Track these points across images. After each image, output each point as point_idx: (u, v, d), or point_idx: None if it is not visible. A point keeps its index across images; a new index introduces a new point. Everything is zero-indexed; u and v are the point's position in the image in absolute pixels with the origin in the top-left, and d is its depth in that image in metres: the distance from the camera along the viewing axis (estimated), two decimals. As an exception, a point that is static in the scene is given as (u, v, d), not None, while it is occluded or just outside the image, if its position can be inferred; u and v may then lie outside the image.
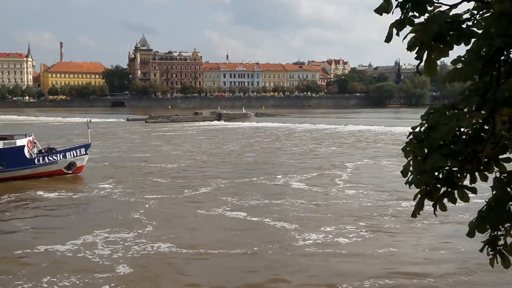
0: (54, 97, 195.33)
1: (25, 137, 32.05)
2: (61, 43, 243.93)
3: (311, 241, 17.56)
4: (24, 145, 30.96)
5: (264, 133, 68.63)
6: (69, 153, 32.40)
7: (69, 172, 31.90)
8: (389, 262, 15.57)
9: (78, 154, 32.55)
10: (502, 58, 2.83)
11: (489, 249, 3.08)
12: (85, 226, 20.02)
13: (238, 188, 27.44)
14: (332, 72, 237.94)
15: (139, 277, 14.57)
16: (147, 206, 23.30)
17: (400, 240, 17.99)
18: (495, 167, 2.97)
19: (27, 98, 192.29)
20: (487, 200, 3.02)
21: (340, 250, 16.82)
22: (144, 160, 39.73)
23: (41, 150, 32.51)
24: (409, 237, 18.34)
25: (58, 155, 32.14)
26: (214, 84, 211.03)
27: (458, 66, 2.97)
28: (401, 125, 70.90)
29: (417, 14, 2.99)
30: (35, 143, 32.83)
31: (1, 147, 30.43)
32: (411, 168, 3.11)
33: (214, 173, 32.95)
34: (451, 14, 2.95)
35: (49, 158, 31.70)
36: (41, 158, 31.44)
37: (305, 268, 15.14)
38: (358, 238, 18.13)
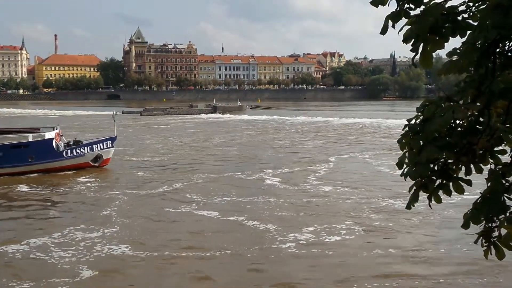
0: (49, 89, 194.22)
1: (53, 130, 32.12)
2: (55, 35, 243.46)
3: (293, 241, 16.51)
4: (53, 138, 30.97)
5: (256, 125, 68.17)
6: (96, 146, 32.45)
7: (95, 165, 31.92)
8: (380, 261, 14.84)
9: (105, 147, 32.62)
10: (498, 50, 2.84)
11: (484, 240, 3.10)
12: (46, 225, 19.08)
13: (217, 184, 26.49)
14: (327, 64, 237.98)
15: (102, 281, 13.65)
16: (118, 202, 22.45)
17: (390, 237, 17.16)
18: (490, 159, 2.99)
19: (21, 91, 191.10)
20: (482, 192, 3.03)
21: (328, 250, 15.79)
22: (128, 153, 39.10)
23: (68, 142, 32.54)
24: (400, 234, 17.54)
25: (85, 148, 32.15)
26: (209, 76, 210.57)
27: (454, 58, 2.97)
28: (395, 117, 71.11)
29: (412, 6, 2.99)
30: (61, 136, 32.87)
31: (31, 140, 30.54)
32: (406, 160, 3.12)
33: (196, 167, 32.32)
34: (446, 6, 2.94)
35: (77, 151, 31.73)
36: (69, 151, 31.46)
37: (292, 270, 14.24)
38: (346, 236, 17.15)
